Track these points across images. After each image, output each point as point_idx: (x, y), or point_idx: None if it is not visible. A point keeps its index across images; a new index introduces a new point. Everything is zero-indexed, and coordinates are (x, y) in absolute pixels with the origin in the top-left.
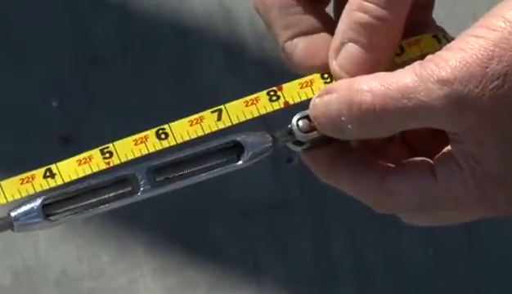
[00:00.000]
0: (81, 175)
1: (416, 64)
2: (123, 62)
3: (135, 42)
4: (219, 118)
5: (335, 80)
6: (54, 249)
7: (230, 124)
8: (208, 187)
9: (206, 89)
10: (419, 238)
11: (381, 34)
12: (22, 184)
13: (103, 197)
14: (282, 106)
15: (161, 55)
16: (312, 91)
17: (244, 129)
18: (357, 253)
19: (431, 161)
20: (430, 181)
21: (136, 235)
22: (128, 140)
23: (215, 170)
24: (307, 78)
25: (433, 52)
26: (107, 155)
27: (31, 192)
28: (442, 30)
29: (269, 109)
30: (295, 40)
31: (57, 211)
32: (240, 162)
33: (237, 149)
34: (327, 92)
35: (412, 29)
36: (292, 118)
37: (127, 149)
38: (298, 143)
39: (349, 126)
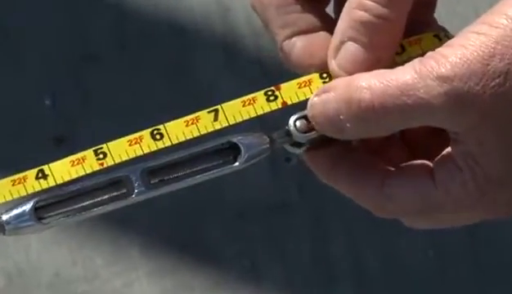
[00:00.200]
0: (74, 176)
1: (416, 60)
2: (119, 60)
3: (131, 40)
4: (215, 119)
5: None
6: (47, 251)
7: (226, 124)
8: (204, 188)
9: (203, 88)
10: (420, 239)
11: (382, 33)
12: (14, 185)
13: (96, 199)
14: (280, 106)
15: (157, 54)
16: (311, 91)
17: (241, 130)
18: (357, 254)
19: (431, 163)
20: (430, 186)
21: (132, 237)
22: (123, 141)
23: (211, 172)
24: (306, 78)
25: (433, 50)
26: (101, 156)
27: (23, 193)
28: (444, 29)
29: (266, 109)
30: (293, 39)
31: (50, 214)
32: (237, 164)
33: (234, 151)
34: (325, 91)
35: (414, 29)
36: (289, 118)
37: (121, 149)
38: (296, 144)
39: (348, 125)
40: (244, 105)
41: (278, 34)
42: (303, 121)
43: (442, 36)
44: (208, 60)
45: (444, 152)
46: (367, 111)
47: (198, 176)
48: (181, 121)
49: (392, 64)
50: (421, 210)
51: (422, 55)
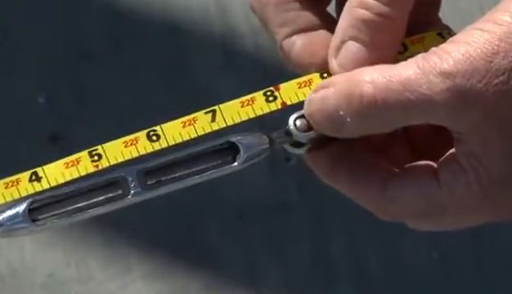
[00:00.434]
0: (68, 178)
1: (419, 56)
2: (115, 58)
3: (127, 39)
4: (213, 120)
5: None
6: (41, 252)
7: (224, 126)
8: (202, 188)
9: (201, 89)
10: (422, 241)
11: (383, 32)
12: (6, 188)
13: (92, 200)
14: (279, 107)
15: (155, 53)
16: (311, 90)
17: (239, 130)
18: (357, 254)
19: (434, 164)
20: (434, 186)
21: (127, 238)
22: (118, 142)
23: (209, 172)
24: (306, 78)
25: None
26: (96, 158)
27: (16, 196)
28: (448, 28)
29: (266, 109)
30: (293, 37)
31: (44, 216)
32: (236, 164)
33: (232, 151)
34: (323, 87)
35: (417, 29)
36: (289, 117)
37: (116, 151)
38: (297, 144)
39: (348, 120)
40: (242, 106)
41: (277, 33)
42: (303, 120)
43: (445, 34)
44: (206, 59)
45: (448, 152)
46: (369, 106)
47: (196, 177)
48: (177, 122)
49: (394, 63)
50: (425, 211)
51: None
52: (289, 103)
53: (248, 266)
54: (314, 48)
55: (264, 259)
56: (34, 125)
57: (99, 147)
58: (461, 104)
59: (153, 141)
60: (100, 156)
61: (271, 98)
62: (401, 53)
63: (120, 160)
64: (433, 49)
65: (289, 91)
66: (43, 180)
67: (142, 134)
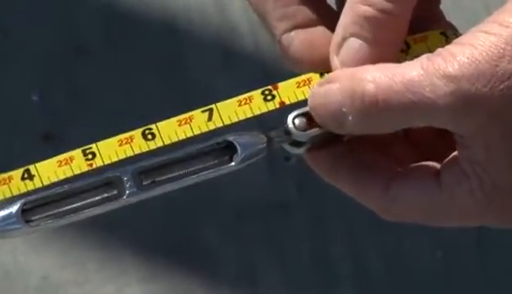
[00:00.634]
0: (61, 177)
1: (424, 56)
2: (111, 57)
3: (124, 37)
4: (210, 118)
5: None
6: (35, 254)
7: (221, 125)
8: (199, 187)
9: (199, 88)
10: (425, 240)
11: (386, 29)
12: None
13: (86, 201)
14: (277, 106)
15: (152, 52)
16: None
17: (237, 129)
18: (358, 254)
19: (438, 165)
20: (434, 189)
21: (124, 240)
22: (113, 141)
23: (206, 172)
24: (305, 77)
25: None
26: (90, 156)
27: (8, 195)
28: (452, 26)
29: (263, 109)
30: (292, 32)
31: (37, 217)
32: (233, 164)
33: (229, 150)
34: (328, 81)
35: (419, 25)
36: (287, 116)
37: (111, 150)
38: (296, 143)
39: (350, 118)
40: (239, 105)
41: (276, 27)
42: (302, 118)
43: (449, 34)
44: (204, 59)
45: (452, 155)
46: (370, 106)
47: (192, 177)
48: (173, 120)
49: (396, 61)
50: (427, 212)
51: (428, 53)
52: (287, 102)
53: (247, 267)
54: (314, 45)
55: (263, 259)
56: (28, 123)
57: (93, 145)
58: (465, 108)
59: (148, 140)
60: (94, 154)
61: (269, 97)
62: (404, 51)
63: (114, 159)
64: (439, 50)
65: (287, 90)
66: (36, 179)
67: (137, 132)
